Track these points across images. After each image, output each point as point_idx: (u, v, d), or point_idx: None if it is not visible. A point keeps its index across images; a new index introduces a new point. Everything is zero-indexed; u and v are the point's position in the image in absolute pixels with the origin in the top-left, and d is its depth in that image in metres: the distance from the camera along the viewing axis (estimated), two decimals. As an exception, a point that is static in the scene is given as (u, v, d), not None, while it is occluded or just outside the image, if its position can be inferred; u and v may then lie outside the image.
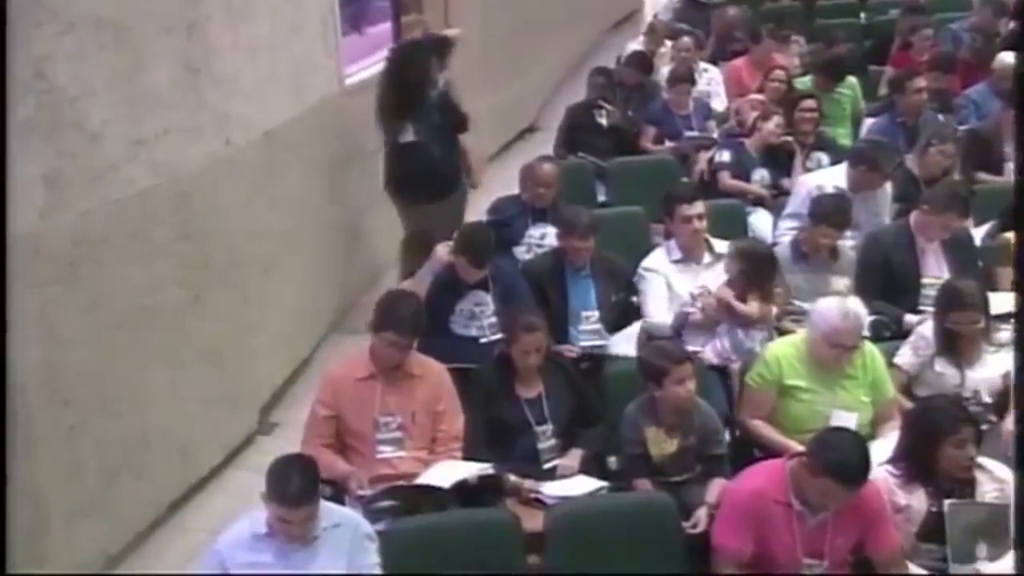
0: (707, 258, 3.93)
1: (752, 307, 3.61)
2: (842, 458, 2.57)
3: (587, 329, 3.86)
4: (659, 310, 3.85)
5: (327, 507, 2.67)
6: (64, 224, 3.08)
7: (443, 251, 3.82)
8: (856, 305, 3.18)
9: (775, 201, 4.96)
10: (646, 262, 4.00)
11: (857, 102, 5.87)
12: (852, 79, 5.86)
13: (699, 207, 3.91)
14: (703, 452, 3.14)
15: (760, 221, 4.89)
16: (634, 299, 4.01)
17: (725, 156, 5.10)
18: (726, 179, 5.06)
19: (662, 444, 3.11)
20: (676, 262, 3.93)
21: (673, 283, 3.89)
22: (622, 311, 3.97)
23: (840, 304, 3.17)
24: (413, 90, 4.59)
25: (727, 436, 3.30)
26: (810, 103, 5.20)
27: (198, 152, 3.65)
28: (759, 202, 5.02)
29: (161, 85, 3.44)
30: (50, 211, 3.03)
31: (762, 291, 3.64)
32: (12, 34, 2.75)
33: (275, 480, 2.53)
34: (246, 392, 4.10)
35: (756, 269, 3.64)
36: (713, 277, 3.83)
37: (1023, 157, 3.68)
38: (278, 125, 4.21)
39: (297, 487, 2.50)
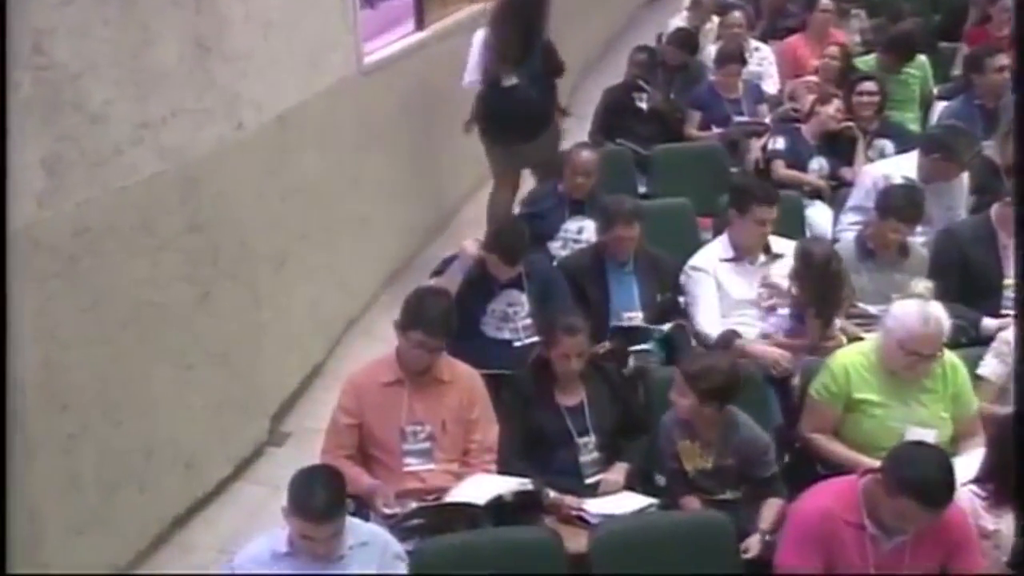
0: (762, 258, 3.91)
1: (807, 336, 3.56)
2: (923, 475, 2.53)
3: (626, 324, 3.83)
4: (708, 317, 3.82)
5: (354, 524, 2.67)
6: (64, 214, 3.09)
7: (472, 246, 3.80)
8: (938, 311, 3.13)
9: (834, 193, 4.92)
10: (694, 260, 3.97)
11: (927, 83, 5.82)
12: (921, 58, 5.80)
13: (775, 211, 3.89)
14: (748, 475, 3.10)
15: (818, 215, 4.85)
16: (681, 299, 3.99)
17: (779, 143, 5.06)
18: (781, 168, 5.02)
19: (695, 459, 3.09)
20: (727, 260, 3.90)
21: (724, 283, 3.87)
22: (667, 312, 3.95)
23: (921, 308, 3.11)
24: (536, 33, 4.95)
25: (782, 452, 3.27)
26: (869, 86, 5.15)
27: (207, 136, 3.66)
28: (817, 194, 4.99)
29: (168, 63, 3.45)
30: (48, 199, 3.03)
31: (824, 304, 3.58)
32: (10, 6, 2.76)
33: (298, 493, 2.53)
34: (256, 398, 4.11)
35: (816, 277, 3.58)
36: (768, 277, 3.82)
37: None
38: (293, 107, 4.22)
39: (322, 501, 2.50)
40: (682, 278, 3.96)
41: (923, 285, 3.21)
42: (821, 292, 3.58)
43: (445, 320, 3.15)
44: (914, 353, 3.12)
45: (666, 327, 3.78)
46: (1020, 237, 3.41)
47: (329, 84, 4.55)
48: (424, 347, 3.11)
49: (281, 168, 4.21)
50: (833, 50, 5.73)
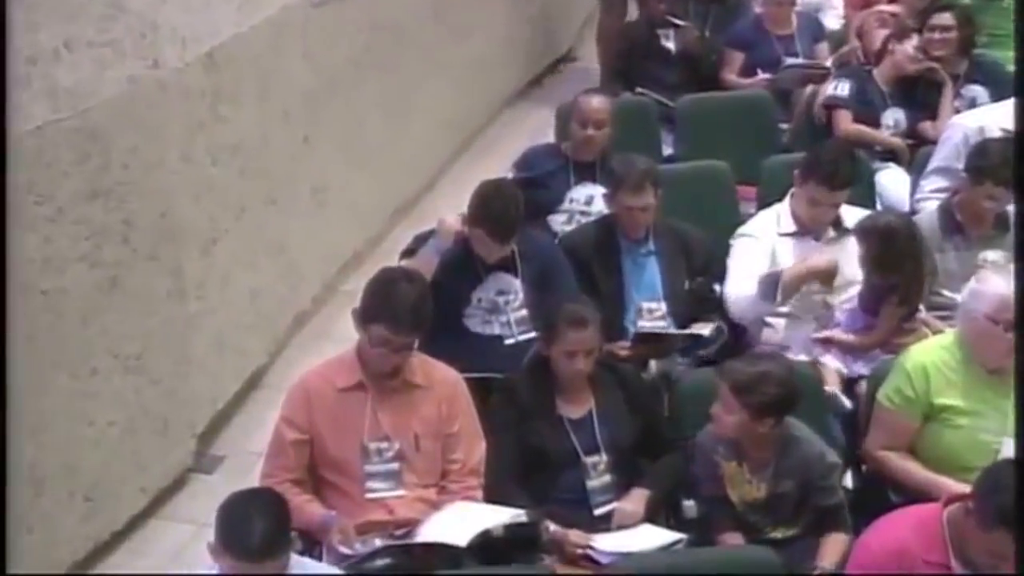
0: (831, 233, 3.95)
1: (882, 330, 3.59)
2: (1026, 503, 2.53)
3: (650, 327, 3.86)
4: (742, 284, 3.83)
5: (301, 563, 2.67)
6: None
7: (454, 221, 3.80)
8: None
9: (913, 154, 4.92)
10: (746, 227, 4.03)
11: (1033, 14, 5.81)
12: None
13: (842, 197, 3.92)
14: (808, 503, 3.11)
15: (892, 181, 4.87)
16: (717, 288, 4.00)
17: (843, 89, 5.07)
18: (846, 122, 5.02)
19: (744, 487, 3.10)
20: (786, 235, 3.94)
21: (781, 262, 3.89)
22: (699, 303, 3.96)
23: (1000, 273, 3.15)
24: None
25: (849, 476, 3.29)
26: (944, 18, 5.14)
27: (114, 76, 3.64)
28: (891, 155, 4.99)
29: (63, -18, 3.45)
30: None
31: (910, 285, 3.61)
32: None
33: (230, 525, 2.52)
34: (180, 413, 4.11)
35: (897, 252, 3.58)
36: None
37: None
38: (225, 43, 4.21)
39: (261, 534, 2.48)
40: (733, 245, 3.99)
41: (994, 255, 3.21)
42: (906, 270, 3.59)
43: (416, 311, 3.14)
44: (1012, 324, 3.10)
45: (706, 331, 3.78)
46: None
47: (271, 15, 4.55)
48: (389, 345, 3.11)
49: (212, 121, 4.21)
50: None
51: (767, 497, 3.09)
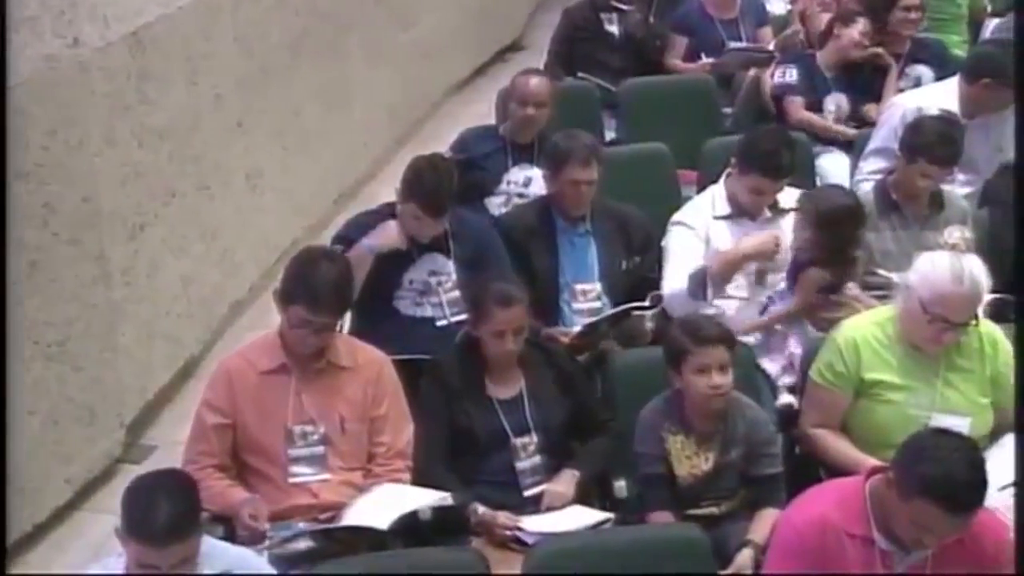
0: (767, 213, 3.97)
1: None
2: (946, 472, 2.52)
3: (585, 308, 3.87)
4: (679, 277, 3.83)
5: (214, 547, 2.62)
6: None
7: (395, 229, 3.72)
8: (975, 267, 3.14)
9: (856, 136, 4.94)
10: (679, 215, 4.02)
11: (978, -3, 5.90)
12: None
13: (780, 186, 3.94)
14: (749, 472, 3.13)
15: (833, 165, 4.90)
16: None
17: (791, 75, 5.08)
18: (799, 110, 5.02)
19: (691, 460, 3.11)
20: (721, 218, 3.95)
21: (717, 245, 3.90)
22: (635, 285, 3.98)
23: (953, 262, 3.13)
24: None
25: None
26: None
27: (31, 55, 3.59)
28: (833, 140, 5.02)
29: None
30: None
31: (834, 255, 3.64)
32: None
33: (135, 508, 2.47)
34: (108, 402, 4.07)
35: (834, 236, 3.62)
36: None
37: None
38: (151, 23, 4.17)
39: (166, 518, 2.44)
40: (665, 238, 3.99)
41: (959, 234, 3.21)
42: (835, 241, 3.62)
43: (337, 291, 3.12)
44: (940, 319, 3.13)
45: (646, 302, 3.80)
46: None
47: (202, -7, 4.53)
48: (309, 325, 3.09)
49: (137, 104, 4.17)
50: None
51: (713, 469, 3.11)
